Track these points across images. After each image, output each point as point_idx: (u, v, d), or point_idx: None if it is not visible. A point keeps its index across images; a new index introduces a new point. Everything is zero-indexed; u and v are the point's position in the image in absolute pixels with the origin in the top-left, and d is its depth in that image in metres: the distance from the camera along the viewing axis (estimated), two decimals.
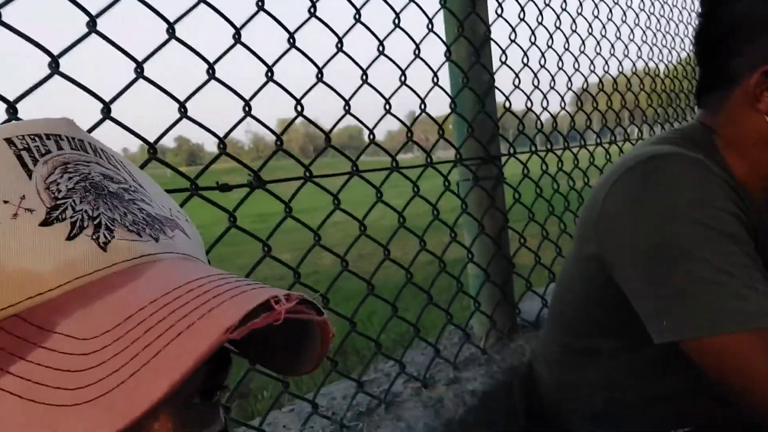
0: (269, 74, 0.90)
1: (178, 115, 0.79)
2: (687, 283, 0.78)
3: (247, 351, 0.40)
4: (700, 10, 0.97)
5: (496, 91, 1.38)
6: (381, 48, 1.11)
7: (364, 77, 1.06)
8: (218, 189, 0.84)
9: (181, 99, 0.79)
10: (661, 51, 2.35)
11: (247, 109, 0.87)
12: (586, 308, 1.00)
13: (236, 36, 0.85)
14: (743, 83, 0.90)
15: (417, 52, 1.17)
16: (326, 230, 0.99)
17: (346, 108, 1.02)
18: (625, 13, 2.04)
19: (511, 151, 1.41)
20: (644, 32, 2.21)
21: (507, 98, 1.40)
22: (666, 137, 0.97)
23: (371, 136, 1.08)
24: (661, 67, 2.34)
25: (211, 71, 0.82)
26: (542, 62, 1.55)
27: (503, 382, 1.19)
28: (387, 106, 1.09)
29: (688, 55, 2.53)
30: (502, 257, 1.36)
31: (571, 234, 1.61)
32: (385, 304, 1.09)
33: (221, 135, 0.84)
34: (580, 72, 1.73)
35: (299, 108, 0.95)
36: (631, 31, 2.09)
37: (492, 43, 1.37)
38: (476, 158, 1.31)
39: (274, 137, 0.93)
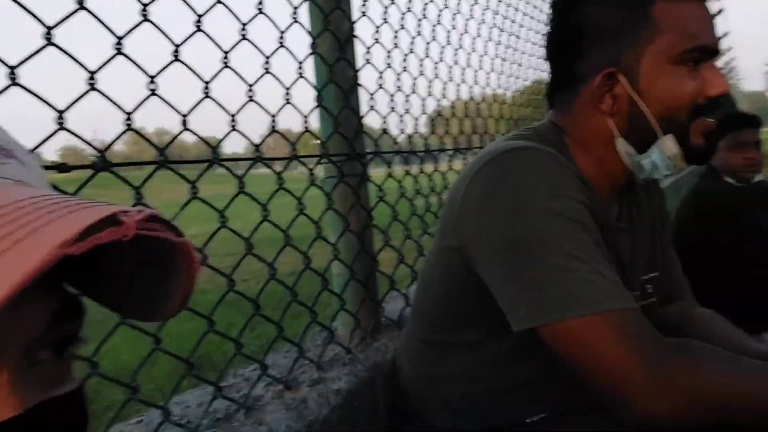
0: (118, 47, 0.81)
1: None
2: (542, 271, 0.81)
3: (97, 294, 0.34)
4: (550, 14, 1.03)
5: (360, 89, 1.38)
6: (243, 32, 1.05)
7: (225, 61, 1.00)
8: (56, 168, 0.74)
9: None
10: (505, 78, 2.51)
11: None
12: (447, 302, 1.01)
13: None
14: (588, 85, 0.96)
15: (281, 40, 1.13)
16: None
17: (206, 91, 0.96)
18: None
19: (376, 149, 1.41)
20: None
21: (372, 96, 1.40)
22: (520, 134, 1.01)
23: (232, 124, 1.01)
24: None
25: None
26: (404, 66, 1.58)
27: (367, 380, 1.17)
28: (250, 93, 1.04)
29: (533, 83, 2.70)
30: (366, 255, 1.34)
31: (432, 234, 1.65)
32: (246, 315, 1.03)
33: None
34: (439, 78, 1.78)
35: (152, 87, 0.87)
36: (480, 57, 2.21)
37: (356, 41, 1.37)
38: (342, 155, 1.29)
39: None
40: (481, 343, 1.00)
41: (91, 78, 0.78)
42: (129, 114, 0.84)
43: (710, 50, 0.92)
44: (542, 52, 1.07)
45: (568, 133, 1.01)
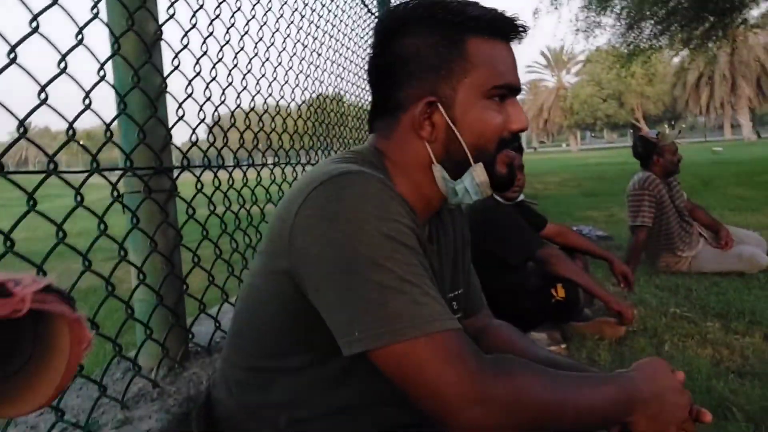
0: None
1: None
2: (377, 293, 0.81)
3: None
4: (373, 42, 1.05)
5: (169, 97, 1.28)
6: (35, 25, 0.91)
7: (12, 56, 0.85)
8: None
9: None
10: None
11: None
12: (273, 326, 0.97)
13: None
14: (409, 111, 1.01)
15: (80, 38, 1.00)
16: None
17: None
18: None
19: (185, 163, 1.31)
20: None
21: (180, 105, 1.30)
22: (346, 158, 1.02)
23: (20, 130, 0.86)
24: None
25: None
26: (213, 74, 1.50)
27: (180, 416, 1.07)
28: (43, 95, 0.89)
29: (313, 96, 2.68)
30: (175, 278, 1.24)
31: (241, 253, 1.58)
32: None
33: None
34: (248, 91, 1.73)
35: None
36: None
37: (164, 45, 1.26)
38: (148, 168, 1.17)
39: None
40: (307, 367, 0.98)
41: None
42: None
43: (514, 88, 1.02)
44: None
45: (389, 157, 1.04)
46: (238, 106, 1.65)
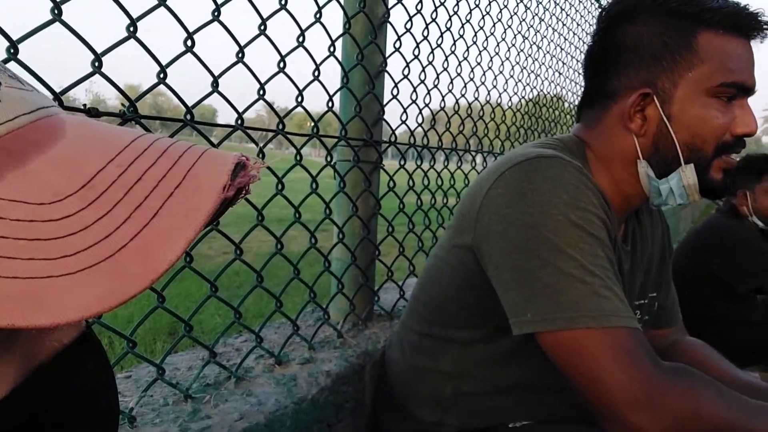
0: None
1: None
2: (555, 278, 0.81)
3: None
4: (595, 29, 1.03)
5: (386, 76, 1.37)
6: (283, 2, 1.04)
7: (262, 28, 0.99)
8: (85, 112, 0.73)
9: None
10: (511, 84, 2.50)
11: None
12: (450, 298, 1.01)
13: None
14: (620, 102, 0.97)
15: (318, 15, 1.12)
16: None
17: (240, 57, 0.95)
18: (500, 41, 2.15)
19: (392, 139, 1.41)
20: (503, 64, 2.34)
21: (396, 85, 1.39)
22: (547, 143, 1.02)
23: (260, 92, 1.01)
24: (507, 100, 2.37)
25: None
26: (430, 58, 1.57)
27: (357, 366, 1.17)
28: (282, 64, 1.03)
29: (539, 93, 2.66)
30: (369, 242, 1.34)
31: (433, 230, 1.65)
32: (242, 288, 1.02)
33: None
34: (461, 77, 1.78)
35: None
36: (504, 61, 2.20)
37: (389, 27, 1.36)
38: (360, 139, 1.28)
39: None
40: (476, 342, 1.00)
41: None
42: (164, 68, 0.82)
43: (746, 88, 0.93)
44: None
45: (591, 148, 1.01)
46: (450, 90, 1.71)
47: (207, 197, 0.22)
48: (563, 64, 3.00)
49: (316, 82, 1.13)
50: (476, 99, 1.92)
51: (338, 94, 1.25)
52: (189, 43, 0.85)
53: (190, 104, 0.86)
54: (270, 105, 1.02)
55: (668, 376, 0.78)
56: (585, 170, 0.92)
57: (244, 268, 1.05)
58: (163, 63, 0.82)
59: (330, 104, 1.19)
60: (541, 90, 2.69)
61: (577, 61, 3.17)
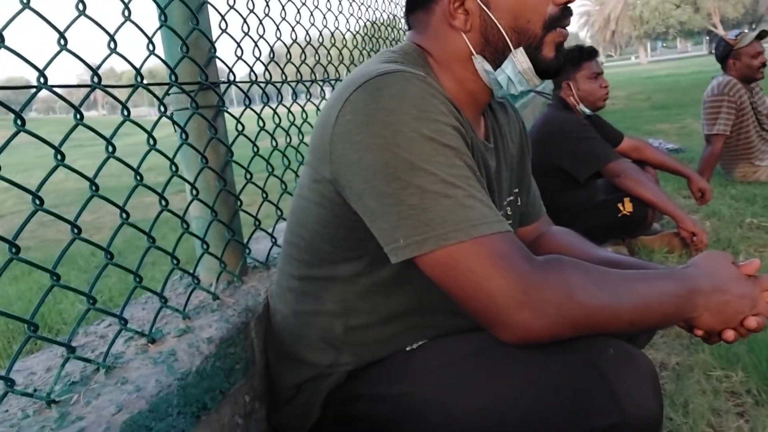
0: None
1: None
2: (419, 198, 0.78)
3: None
4: None
5: (210, 9, 1.24)
6: None
7: None
8: None
9: None
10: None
11: None
12: (322, 235, 0.96)
13: None
14: (440, 1, 0.95)
15: None
16: None
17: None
18: None
19: (231, 78, 1.29)
20: None
21: (223, 17, 1.27)
22: (389, 57, 0.97)
23: (61, 42, 0.85)
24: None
25: None
26: None
27: (240, 325, 1.10)
28: (81, 7, 0.88)
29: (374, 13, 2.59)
30: (228, 194, 1.24)
31: (294, 170, 1.57)
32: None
33: None
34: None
35: None
36: None
37: None
38: (194, 83, 1.16)
39: None
40: (357, 276, 0.97)
41: None
42: None
43: None
44: None
45: (430, 53, 0.99)
46: (284, 18, 1.60)
47: None
48: None
49: (128, 23, 0.98)
50: (312, 24, 1.83)
51: (158, 35, 1.11)
52: None
53: None
54: (78, 56, 0.87)
55: (542, 270, 0.79)
56: (430, 79, 0.89)
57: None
58: None
59: (151, 47, 1.05)
60: (377, 9, 2.64)
61: None
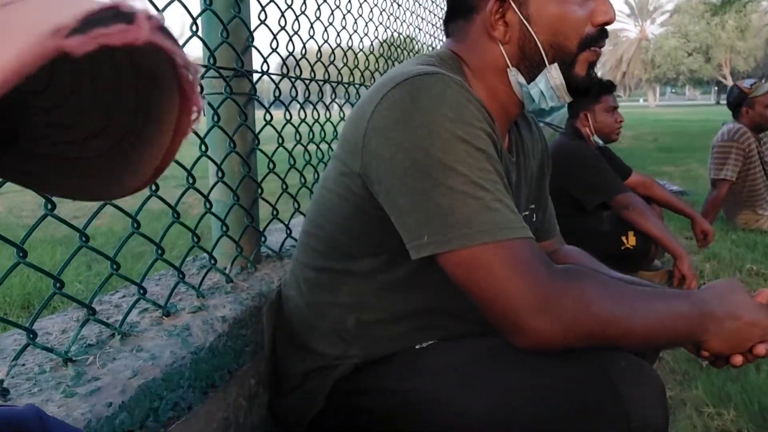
0: None
1: None
2: (448, 197, 0.79)
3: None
4: None
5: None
6: None
7: None
8: None
9: None
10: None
11: None
12: (345, 227, 0.98)
13: None
14: (481, 12, 0.97)
15: None
16: None
17: None
18: None
19: (265, 68, 1.32)
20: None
21: (263, 8, 1.29)
22: (426, 61, 0.99)
23: None
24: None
25: None
26: None
27: (253, 308, 1.11)
28: None
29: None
30: (250, 180, 1.26)
31: (314, 165, 1.59)
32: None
33: None
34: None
35: None
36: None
37: None
38: (230, 68, 1.18)
39: None
40: (374, 271, 0.98)
41: None
42: None
43: None
44: None
45: (465, 62, 1.01)
46: (318, 18, 1.63)
47: (13, 44, 0.15)
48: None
49: (176, 2, 1.01)
50: (344, 28, 1.86)
51: (202, 18, 1.14)
52: None
53: None
54: None
55: (561, 278, 0.80)
56: (466, 85, 0.91)
57: (122, 225, 0.94)
58: None
59: (194, 28, 1.07)
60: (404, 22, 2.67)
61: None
